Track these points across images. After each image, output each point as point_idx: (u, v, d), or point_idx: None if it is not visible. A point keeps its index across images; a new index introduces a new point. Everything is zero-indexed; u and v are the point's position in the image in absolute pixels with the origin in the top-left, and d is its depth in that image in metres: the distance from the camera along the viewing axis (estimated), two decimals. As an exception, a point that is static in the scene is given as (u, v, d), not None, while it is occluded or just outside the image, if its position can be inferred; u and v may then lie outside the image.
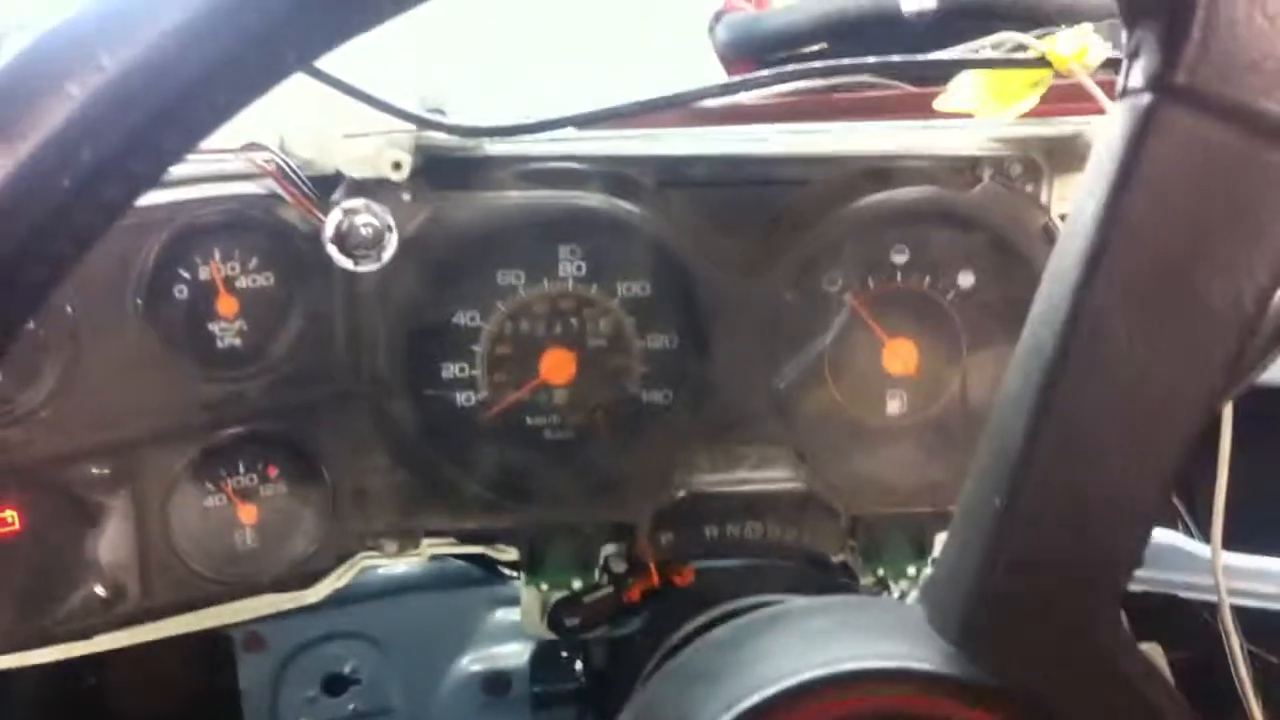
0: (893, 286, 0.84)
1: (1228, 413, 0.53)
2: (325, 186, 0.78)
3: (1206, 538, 0.81)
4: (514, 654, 1.06)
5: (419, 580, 1.05)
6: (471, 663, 1.06)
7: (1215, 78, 0.37)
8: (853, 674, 0.48)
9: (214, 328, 0.78)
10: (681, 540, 0.88)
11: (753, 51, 1.14)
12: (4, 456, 0.74)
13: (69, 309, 0.73)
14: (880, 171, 0.83)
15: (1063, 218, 0.82)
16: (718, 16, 1.20)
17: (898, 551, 0.89)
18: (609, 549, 0.89)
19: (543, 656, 1.06)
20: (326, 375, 0.82)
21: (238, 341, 0.79)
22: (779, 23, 1.11)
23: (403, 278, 0.79)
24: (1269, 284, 0.38)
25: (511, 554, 0.89)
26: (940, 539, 0.89)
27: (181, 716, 1.07)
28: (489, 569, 0.94)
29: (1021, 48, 0.79)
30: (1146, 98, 0.38)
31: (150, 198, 0.68)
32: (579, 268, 0.83)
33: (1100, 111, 0.72)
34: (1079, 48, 0.72)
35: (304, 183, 0.77)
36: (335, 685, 1.04)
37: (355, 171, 0.77)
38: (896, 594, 0.91)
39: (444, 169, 0.80)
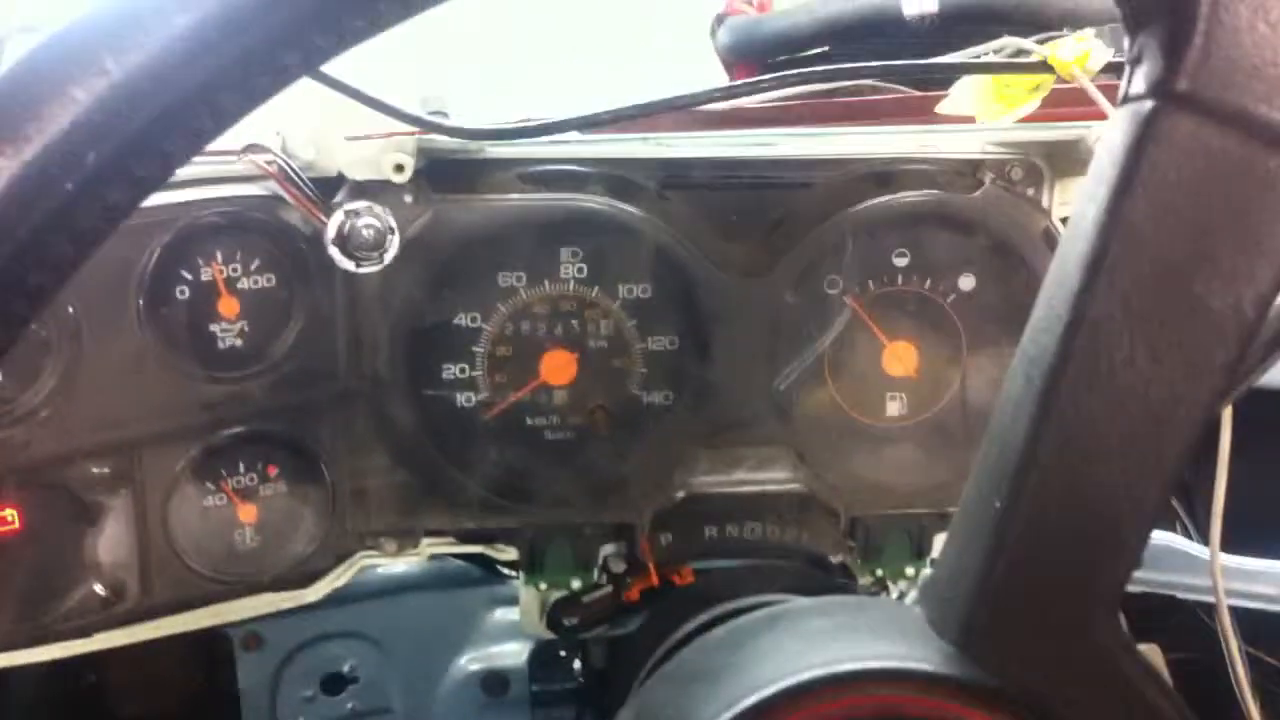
0: (893, 289, 0.84)
1: (1227, 415, 0.53)
2: (327, 188, 0.78)
3: (1205, 539, 0.81)
4: (513, 653, 1.06)
5: (418, 580, 1.05)
6: (470, 662, 1.06)
7: (1217, 84, 0.37)
8: (852, 674, 0.48)
9: (215, 328, 0.79)
10: (681, 541, 0.88)
11: (754, 54, 1.14)
12: (4, 456, 0.74)
13: (71, 309, 0.74)
14: (881, 175, 0.83)
15: (1064, 221, 0.82)
16: (719, 19, 1.20)
17: (896, 552, 0.89)
18: (608, 549, 0.89)
19: (541, 656, 1.06)
20: (327, 376, 0.82)
21: (239, 342, 0.79)
22: (780, 26, 1.11)
23: (404, 279, 0.80)
24: (1269, 289, 0.38)
25: (511, 554, 0.89)
26: (939, 540, 0.89)
27: (180, 715, 1.07)
28: (488, 568, 0.95)
29: (1023, 52, 0.79)
30: (1149, 104, 0.38)
31: (152, 199, 0.68)
32: (580, 269, 0.83)
33: (1101, 116, 0.72)
34: (1080, 53, 0.73)
35: (306, 184, 0.77)
36: (334, 684, 1.04)
37: (357, 173, 0.77)
38: (895, 594, 0.91)
39: (446, 171, 0.80)
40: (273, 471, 0.83)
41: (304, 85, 0.35)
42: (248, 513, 0.83)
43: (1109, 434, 0.40)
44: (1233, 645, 0.58)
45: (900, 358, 0.85)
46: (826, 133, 0.86)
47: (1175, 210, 0.38)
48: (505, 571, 0.94)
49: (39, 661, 0.78)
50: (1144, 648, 0.91)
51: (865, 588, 0.91)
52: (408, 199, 0.78)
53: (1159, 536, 0.85)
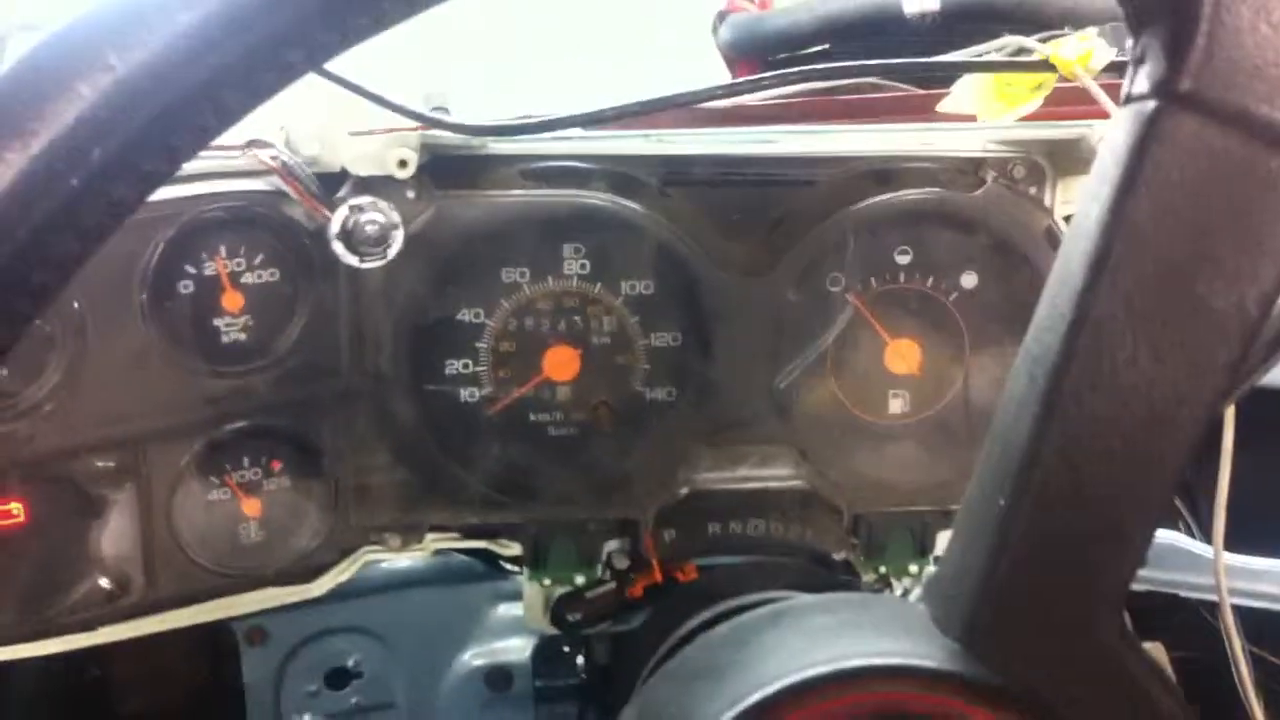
0: (896, 287, 0.84)
1: (1230, 414, 0.53)
2: (331, 184, 0.78)
3: (1208, 538, 0.81)
4: (516, 649, 1.06)
5: (422, 575, 1.05)
6: (474, 657, 1.06)
7: (1220, 84, 0.37)
8: (856, 671, 0.48)
9: (219, 323, 0.79)
10: (684, 537, 0.88)
11: (756, 51, 1.14)
12: (9, 450, 0.74)
13: (75, 304, 0.74)
14: (884, 173, 0.83)
15: (1066, 220, 0.82)
16: (721, 16, 1.20)
17: (899, 549, 0.89)
18: (612, 545, 0.89)
19: (545, 651, 1.06)
20: (330, 371, 0.82)
21: (242, 337, 0.79)
22: (782, 23, 1.11)
23: (407, 274, 0.80)
24: (1272, 288, 0.39)
25: (515, 549, 0.89)
26: (942, 537, 0.89)
27: (184, 710, 1.07)
28: (492, 564, 0.95)
29: (1025, 51, 0.79)
30: (1151, 104, 0.38)
31: (156, 194, 0.69)
32: (583, 266, 0.83)
33: (1103, 115, 0.72)
34: (1083, 51, 0.73)
35: (310, 180, 0.77)
36: (338, 679, 1.04)
37: (361, 169, 0.77)
38: (898, 592, 0.92)
39: (449, 167, 0.80)
40: (276, 466, 0.83)
41: (308, 81, 0.35)
42: (252, 507, 0.83)
43: (1112, 433, 0.40)
44: (1236, 644, 0.58)
45: (903, 355, 0.85)
46: (828, 130, 0.86)
47: (1178, 210, 0.38)
48: (509, 567, 0.94)
49: (43, 655, 0.79)
50: (1147, 646, 0.91)
51: (868, 585, 0.91)
52: (411, 195, 0.78)
53: (1162, 535, 0.85)
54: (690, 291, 0.83)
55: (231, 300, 0.79)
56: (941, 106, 0.82)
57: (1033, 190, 0.84)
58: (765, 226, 0.84)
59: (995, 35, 0.87)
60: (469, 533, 0.88)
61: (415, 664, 1.06)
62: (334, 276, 0.80)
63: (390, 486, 0.85)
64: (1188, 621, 0.90)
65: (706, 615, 0.82)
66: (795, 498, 0.87)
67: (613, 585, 0.90)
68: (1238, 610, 0.62)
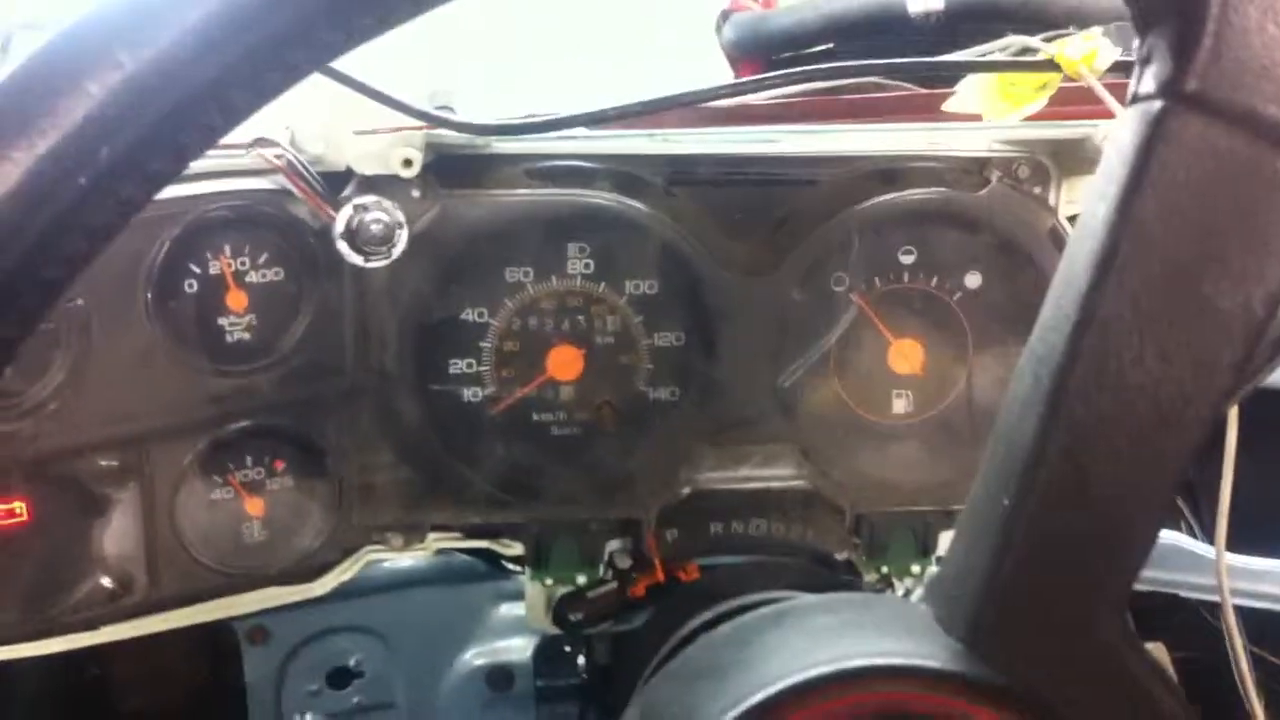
0: (899, 286, 0.84)
1: (1233, 415, 0.53)
2: (335, 183, 0.78)
3: (1210, 538, 0.81)
4: (518, 648, 1.06)
5: (424, 574, 1.05)
6: (475, 657, 1.06)
7: (1226, 85, 0.37)
8: (859, 671, 0.48)
9: (223, 322, 0.79)
10: (687, 537, 0.88)
11: (759, 50, 1.14)
12: (13, 448, 0.74)
13: (80, 303, 0.74)
14: (888, 172, 0.83)
15: (1071, 220, 0.82)
16: (724, 15, 1.20)
17: (902, 549, 0.89)
18: (614, 545, 0.89)
19: (546, 651, 1.06)
20: (334, 370, 0.82)
21: (247, 336, 0.79)
22: (785, 22, 1.11)
23: (412, 274, 0.80)
24: (1278, 288, 0.39)
25: (517, 549, 0.89)
26: (944, 537, 0.89)
27: (186, 709, 1.07)
28: (494, 564, 0.95)
29: (1029, 50, 0.79)
30: (1158, 104, 0.38)
31: (162, 192, 0.68)
32: (587, 265, 0.83)
33: (1108, 115, 0.72)
34: (1088, 51, 0.72)
35: (314, 179, 0.77)
36: (339, 678, 1.05)
37: (366, 168, 0.78)
38: (901, 592, 0.92)
39: (454, 166, 0.80)
40: (279, 465, 0.83)
41: (313, 80, 0.35)
42: (255, 506, 0.83)
43: (1117, 433, 0.40)
44: (1237, 644, 0.58)
45: (906, 355, 0.85)
46: (832, 130, 0.86)
47: (1184, 210, 0.38)
48: (511, 567, 0.94)
49: (45, 654, 0.79)
50: (1149, 646, 0.91)
51: (870, 585, 0.91)
52: (415, 194, 0.78)
53: (1164, 535, 0.85)
54: (694, 291, 0.83)
55: (236, 299, 0.79)
56: (946, 106, 0.82)
57: (1037, 190, 0.84)
58: (769, 226, 0.84)
59: (1000, 35, 0.86)
60: (471, 532, 0.88)
61: (417, 663, 1.06)
62: (338, 275, 0.80)
63: (393, 486, 0.85)
64: (1189, 622, 0.90)
65: (708, 615, 0.82)
66: (798, 497, 0.87)
67: (615, 585, 0.90)
68: (1239, 610, 0.62)
